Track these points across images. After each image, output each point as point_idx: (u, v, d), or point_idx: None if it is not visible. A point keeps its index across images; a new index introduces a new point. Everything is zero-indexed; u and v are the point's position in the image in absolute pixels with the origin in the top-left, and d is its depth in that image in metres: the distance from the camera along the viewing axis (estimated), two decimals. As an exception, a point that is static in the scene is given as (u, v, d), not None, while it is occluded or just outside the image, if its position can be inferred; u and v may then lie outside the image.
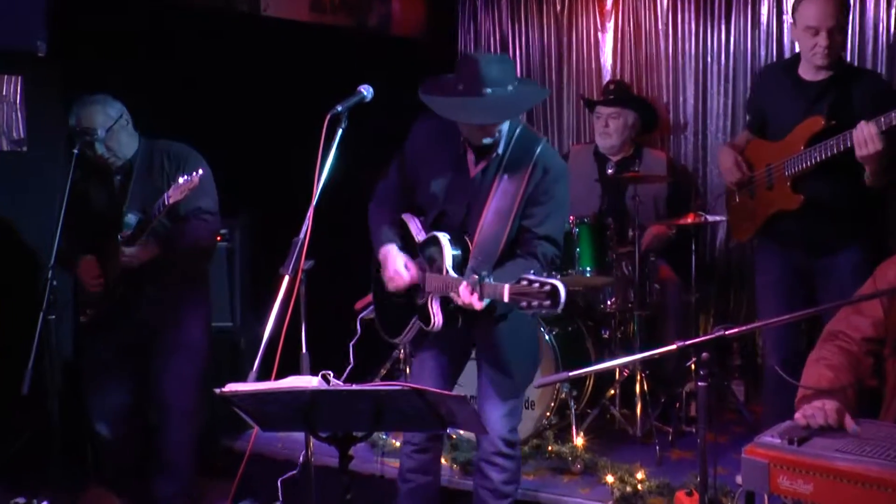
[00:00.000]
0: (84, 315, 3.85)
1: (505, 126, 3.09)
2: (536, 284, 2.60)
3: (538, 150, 3.08)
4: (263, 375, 2.63)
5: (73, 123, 3.69)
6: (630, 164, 4.88)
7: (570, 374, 2.48)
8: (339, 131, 2.91)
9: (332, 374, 2.42)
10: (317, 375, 2.41)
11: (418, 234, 3.21)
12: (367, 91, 3.00)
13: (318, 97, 3.16)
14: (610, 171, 5.03)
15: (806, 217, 3.69)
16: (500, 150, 3.09)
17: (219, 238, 4.75)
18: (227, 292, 4.83)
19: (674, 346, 2.36)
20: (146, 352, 3.85)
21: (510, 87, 2.96)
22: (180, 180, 3.45)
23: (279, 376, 2.52)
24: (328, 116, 2.90)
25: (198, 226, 3.77)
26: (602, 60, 5.64)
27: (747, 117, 4.18)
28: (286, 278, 2.72)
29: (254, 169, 4.98)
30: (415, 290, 3.19)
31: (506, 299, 2.69)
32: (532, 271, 2.66)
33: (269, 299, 2.71)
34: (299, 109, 4.74)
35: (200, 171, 3.46)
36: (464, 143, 3.14)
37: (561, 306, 2.57)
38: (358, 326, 3.19)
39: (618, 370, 4.57)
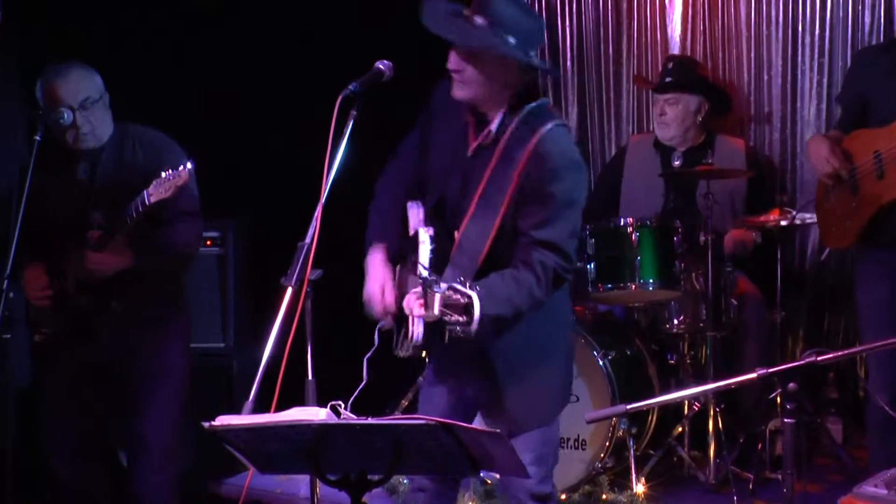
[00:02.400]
0: (39, 333, 3.87)
1: (504, 108, 3.05)
2: (458, 295, 2.60)
3: (542, 132, 3.00)
4: (261, 407, 2.65)
5: (46, 92, 3.73)
6: (701, 156, 4.87)
7: (629, 407, 2.47)
8: (353, 115, 2.92)
9: (342, 406, 2.43)
10: (325, 407, 2.43)
11: (415, 226, 3.18)
12: (385, 67, 3.02)
13: (328, 74, 3.18)
14: (676, 163, 5.02)
15: None
16: (493, 126, 3.06)
17: (208, 243, 4.79)
18: (217, 308, 4.87)
19: (754, 375, 2.36)
20: (115, 378, 3.88)
21: (511, 39, 2.93)
22: (163, 175, 3.47)
23: (280, 408, 2.54)
24: (340, 98, 2.92)
25: (181, 229, 3.80)
26: (669, 31, 5.62)
27: (839, 112, 4.17)
28: (289, 291, 2.74)
29: (250, 161, 5.02)
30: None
31: (436, 311, 2.65)
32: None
33: (268, 316, 2.73)
34: (305, 89, 4.77)
35: (189, 165, 3.48)
36: (465, 113, 3.12)
37: (475, 324, 2.58)
38: (375, 337, 3.11)
39: (687, 403, 4.56)
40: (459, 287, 2.62)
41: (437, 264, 2.99)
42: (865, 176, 3.84)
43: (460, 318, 2.59)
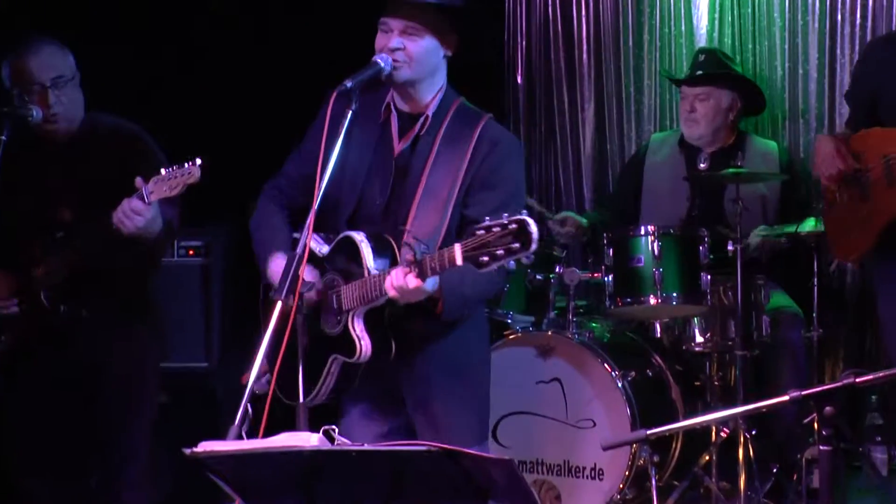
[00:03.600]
0: None
1: (438, 93, 3.15)
2: (497, 228, 2.59)
3: (482, 122, 3.16)
4: (248, 431, 2.66)
5: (16, 69, 3.75)
6: (730, 157, 4.87)
7: (650, 432, 2.48)
8: (349, 114, 2.94)
9: (336, 430, 2.44)
10: (318, 431, 2.44)
11: (321, 249, 3.16)
12: (384, 62, 3.04)
13: (323, 69, 3.20)
14: (702, 164, 5.03)
15: None
16: (430, 112, 3.15)
17: (190, 252, 4.81)
18: (200, 323, 4.88)
19: (786, 398, 2.36)
20: (84, 392, 3.91)
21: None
22: (163, 172, 3.46)
23: (269, 433, 2.55)
24: (334, 94, 2.94)
25: (165, 210, 3.75)
26: (695, 21, 5.64)
27: (849, 109, 4.23)
28: (279, 305, 2.75)
29: (238, 163, 5.03)
30: (325, 318, 3.12)
31: (459, 261, 2.67)
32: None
33: (255, 332, 2.74)
34: (297, 84, 4.79)
35: (198, 161, 3.46)
36: (387, 108, 3.19)
37: (534, 246, 2.55)
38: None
39: (714, 429, 4.56)
40: (491, 221, 2.60)
41: (386, 267, 3.00)
42: (876, 182, 3.87)
43: (512, 245, 2.56)
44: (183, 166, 3.46)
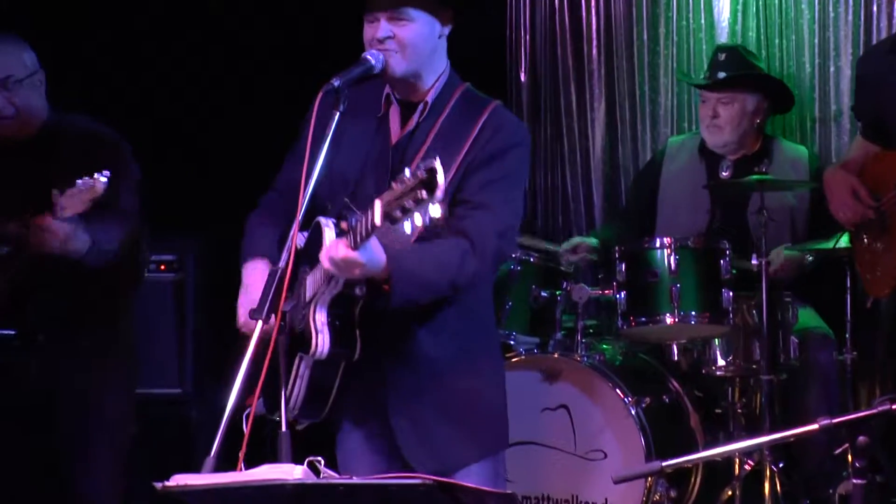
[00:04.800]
0: None
1: (439, 77, 3.17)
2: (409, 178, 2.55)
3: (490, 109, 3.16)
4: (226, 463, 2.66)
5: None
6: (755, 164, 4.88)
7: (666, 464, 2.48)
8: (336, 115, 2.95)
9: (322, 462, 2.45)
10: (301, 463, 2.44)
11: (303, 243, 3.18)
12: (374, 59, 3.05)
13: (308, 67, 3.21)
14: (725, 173, 5.03)
15: None
16: (430, 98, 3.16)
17: (162, 267, 4.81)
18: (174, 345, 4.88)
19: (815, 426, 2.36)
20: (43, 427, 3.89)
21: None
22: (78, 183, 3.45)
23: (249, 465, 2.55)
24: (320, 94, 2.95)
25: (106, 227, 3.74)
26: (716, 13, 5.65)
27: (858, 124, 4.26)
28: (259, 325, 2.75)
29: (215, 170, 5.05)
30: (295, 315, 3.09)
31: (378, 220, 2.63)
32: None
33: (234, 355, 2.75)
34: (280, 84, 4.82)
35: (106, 174, 3.44)
36: (387, 99, 3.22)
37: (439, 193, 2.51)
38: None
39: (737, 461, 4.56)
40: (405, 175, 2.58)
41: None
42: (892, 213, 3.87)
43: (420, 193, 2.52)
44: (91, 178, 3.43)
